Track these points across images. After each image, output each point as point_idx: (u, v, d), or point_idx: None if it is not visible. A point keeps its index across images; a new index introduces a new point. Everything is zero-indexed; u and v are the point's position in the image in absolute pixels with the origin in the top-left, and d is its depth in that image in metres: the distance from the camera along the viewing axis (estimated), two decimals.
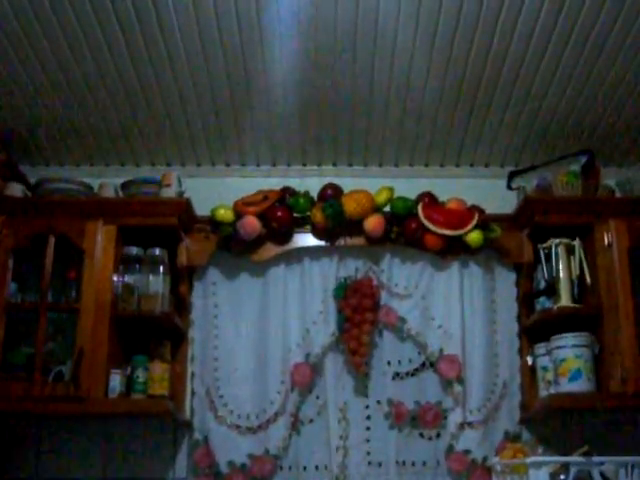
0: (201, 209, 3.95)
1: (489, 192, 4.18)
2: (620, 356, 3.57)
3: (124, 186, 3.97)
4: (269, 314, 3.97)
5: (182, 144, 4.13)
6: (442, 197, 4.00)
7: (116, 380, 3.59)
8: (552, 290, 3.81)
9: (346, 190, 3.96)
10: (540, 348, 3.84)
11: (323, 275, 4.00)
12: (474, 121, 3.93)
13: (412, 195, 3.97)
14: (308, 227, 3.98)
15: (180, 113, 3.84)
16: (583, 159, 4.00)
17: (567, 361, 3.64)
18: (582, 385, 3.60)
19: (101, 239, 3.73)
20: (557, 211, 3.83)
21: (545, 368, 3.80)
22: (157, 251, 3.82)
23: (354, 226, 3.92)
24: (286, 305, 3.97)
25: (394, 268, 4.04)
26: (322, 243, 3.99)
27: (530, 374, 3.91)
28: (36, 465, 3.86)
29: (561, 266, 3.79)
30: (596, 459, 3.20)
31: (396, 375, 3.96)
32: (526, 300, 3.96)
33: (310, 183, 4.08)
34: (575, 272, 3.79)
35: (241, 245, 3.92)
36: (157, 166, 4.31)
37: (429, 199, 3.97)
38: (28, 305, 3.78)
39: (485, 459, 3.79)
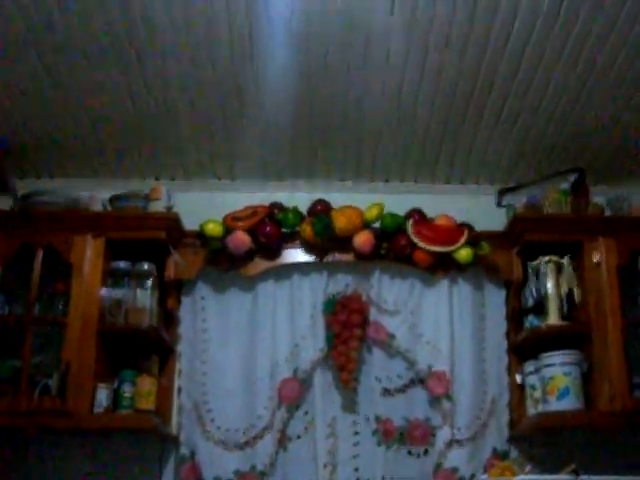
0: (190, 223, 3.94)
1: (479, 209, 4.19)
2: (608, 374, 3.57)
3: (113, 200, 3.96)
4: (258, 329, 3.95)
5: (172, 158, 4.12)
6: (432, 214, 4.00)
7: (103, 394, 3.57)
8: (541, 308, 3.81)
9: (336, 206, 3.96)
10: (529, 366, 3.83)
11: (312, 290, 3.99)
12: (464, 138, 3.93)
13: (402, 211, 3.97)
14: (297, 242, 3.97)
15: (170, 127, 3.84)
16: (573, 177, 4.02)
17: (555, 379, 3.64)
18: (570, 403, 3.60)
19: (89, 253, 3.72)
20: (546, 229, 3.84)
21: (533, 386, 3.79)
22: (145, 265, 3.80)
23: (344, 242, 3.91)
24: (275, 320, 3.95)
25: (383, 284, 4.03)
26: (311, 259, 3.98)
27: (519, 392, 3.90)
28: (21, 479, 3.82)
29: (550, 284, 3.80)
30: (583, 477, 3.18)
31: (385, 391, 3.94)
32: (515, 317, 3.96)
33: (300, 198, 4.07)
34: (564, 290, 3.79)
35: (230, 260, 3.91)
36: (146, 179, 4.29)
37: (419, 216, 3.97)
38: (15, 318, 3.75)
39: (473, 477, 3.77)
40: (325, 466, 3.81)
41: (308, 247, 3.96)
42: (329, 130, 3.86)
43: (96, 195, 4.00)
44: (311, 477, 3.84)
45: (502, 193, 4.21)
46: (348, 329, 3.87)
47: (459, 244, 3.86)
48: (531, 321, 3.86)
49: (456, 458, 3.81)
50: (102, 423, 3.59)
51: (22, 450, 3.86)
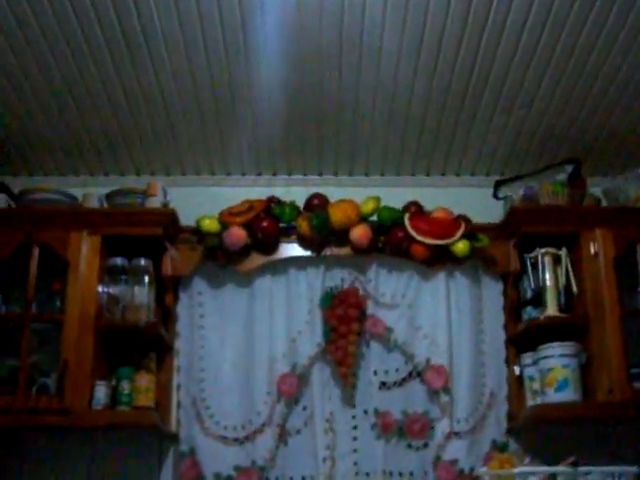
0: (186, 218, 3.93)
1: (475, 201, 4.18)
2: (607, 365, 3.57)
3: (109, 196, 3.94)
4: (255, 324, 3.94)
5: (167, 153, 4.11)
6: (428, 206, 4.00)
7: (101, 392, 3.56)
8: (539, 299, 3.81)
9: (332, 200, 3.95)
10: (527, 358, 3.83)
11: (309, 285, 3.98)
12: (460, 130, 3.92)
13: (398, 205, 3.96)
14: (294, 237, 3.96)
15: (165, 122, 3.83)
16: (569, 168, 4.01)
17: (554, 371, 3.64)
18: (569, 395, 3.60)
19: (85, 250, 3.70)
20: (543, 220, 3.83)
21: (532, 378, 3.79)
22: (142, 261, 3.79)
23: (340, 236, 3.90)
24: (272, 315, 3.94)
25: (381, 278, 4.01)
26: (308, 253, 3.97)
27: (517, 384, 3.90)
28: (20, 478, 3.81)
29: (547, 275, 3.80)
30: (583, 469, 3.18)
31: (383, 385, 3.93)
32: (513, 309, 3.96)
33: (296, 193, 4.07)
34: (561, 281, 3.79)
35: (227, 255, 3.90)
36: (142, 175, 4.28)
37: (415, 209, 3.96)
38: (12, 316, 3.75)
39: (472, 469, 3.77)
40: (325, 460, 3.81)
41: (305, 241, 3.95)
42: (324, 124, 3.85)
43: (92, 192, 3.98)
44: (311, 472, 3.83)
45: (498, 185, 4.20)
46: (346, 323, 3.86)
47: (456, 237, 3.85)
48: (529, 313, 3.86)
49: (455, 450, 3.81)
50: (102, 420, 3.57)
51: (20, 449, 3.85)
